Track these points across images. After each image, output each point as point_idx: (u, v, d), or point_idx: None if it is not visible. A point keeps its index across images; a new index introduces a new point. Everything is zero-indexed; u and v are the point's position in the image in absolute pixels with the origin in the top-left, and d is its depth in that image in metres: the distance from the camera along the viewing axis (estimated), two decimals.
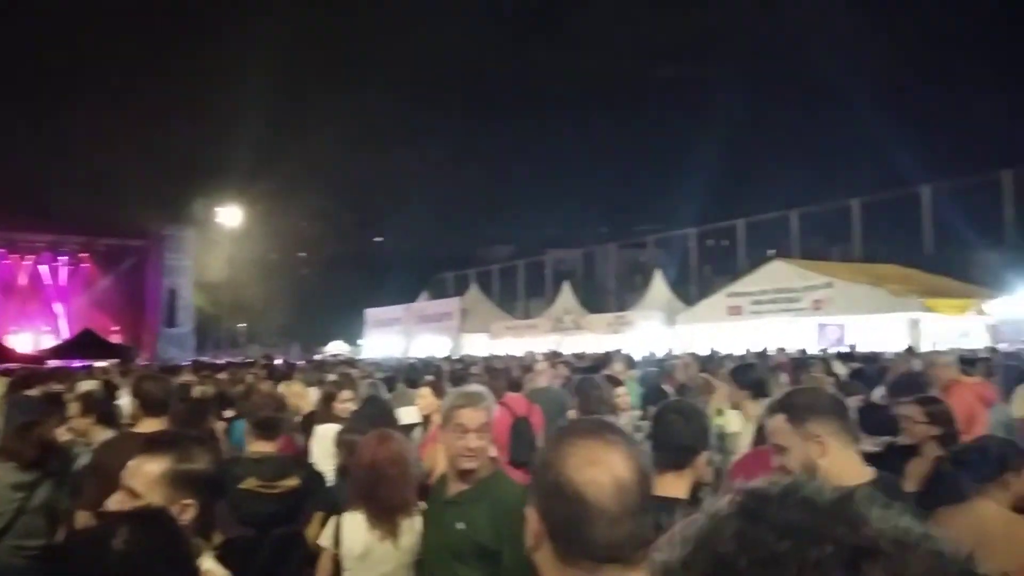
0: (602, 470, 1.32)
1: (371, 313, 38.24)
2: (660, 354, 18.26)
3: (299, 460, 3.91)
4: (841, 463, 2.11)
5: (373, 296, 39.15)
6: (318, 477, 3.87)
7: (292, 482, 3.57)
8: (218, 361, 20.79)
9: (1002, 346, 15.26)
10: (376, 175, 50.36)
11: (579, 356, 16.10)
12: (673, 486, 2.20)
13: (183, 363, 18.01)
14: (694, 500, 2.25)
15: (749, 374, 5.36)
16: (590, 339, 25.07)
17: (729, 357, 14.66)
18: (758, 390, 5.03)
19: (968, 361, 9.88)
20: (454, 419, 2.79)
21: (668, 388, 8.27)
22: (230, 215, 40.40)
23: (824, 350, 15.97)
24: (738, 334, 20.24)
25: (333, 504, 3.42)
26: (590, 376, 5.60)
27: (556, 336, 27.23)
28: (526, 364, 12.31)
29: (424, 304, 35.99)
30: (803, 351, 14.33)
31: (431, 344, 31.16)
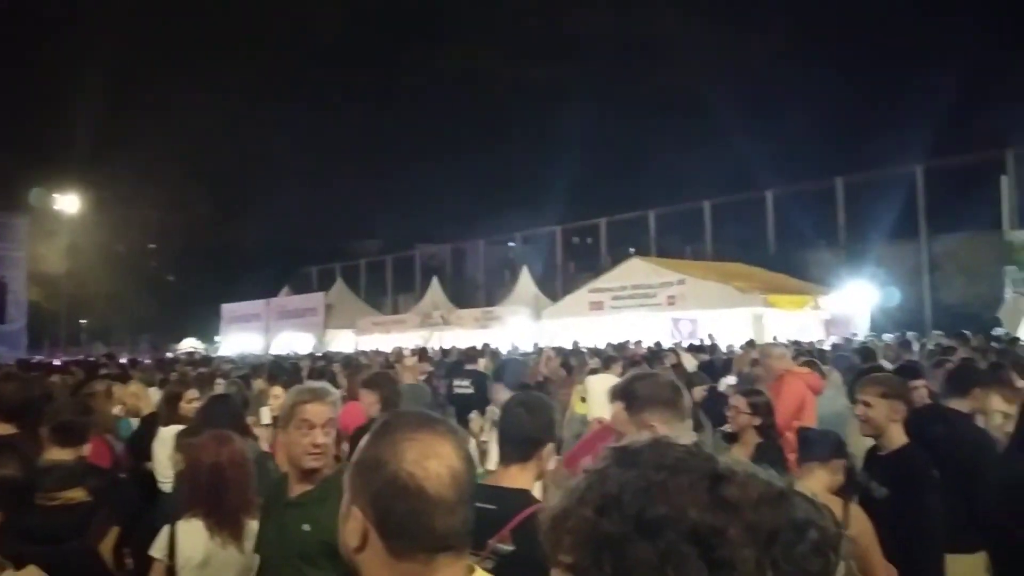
0: (440, 462, 1.33)
1: (228, 309, 36.46)
2: (527, 348, 18.56)
3: (92, 470, 3.56)
4: None
5: (231, 291, 37.36)
6: (114, 488, 3.57)
7: (75, 494, 3.26)
8: (55, 361, 19.16)
9: (833, 339, 16.69)
10: (236, 164, 48.07)
11: (446, 352, 16.09)
12: (519, 477, 2.23)
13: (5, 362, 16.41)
14: None
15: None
16: (459, 334, 25.11)
17: (592, 351, 15.16)
18: None
19: (804, 352, 10.75)
20: (298, 415, 2.69)
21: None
22: (69, 202, 37.23)
23: (678, 343, 16.81)
24: (600, 328, 20.92)
25: (165, 515, 3.19)
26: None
27: (425, 332, 27.08)
28: (389, 361, 12.15)
29: (286, 299, 34.72)
30: (658, 343, 14.98)
31: (294, 341, 30.11)
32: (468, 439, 1.50)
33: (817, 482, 2.87)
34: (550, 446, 2.27)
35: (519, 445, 2.26)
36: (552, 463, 2.32)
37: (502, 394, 6.06)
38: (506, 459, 2.28)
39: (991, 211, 18.92)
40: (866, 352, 9.38)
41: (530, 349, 17.75)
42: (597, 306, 22.19)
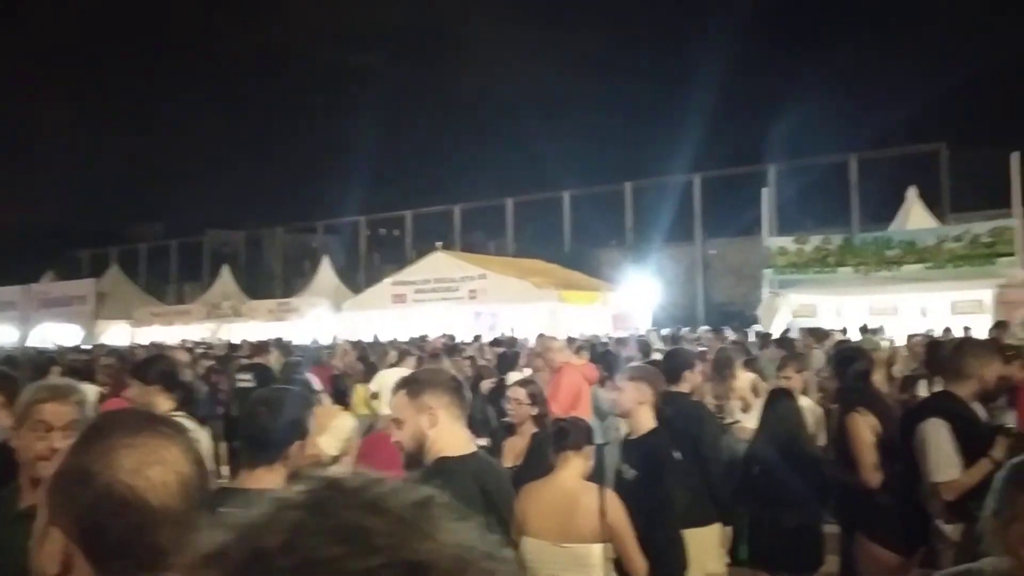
0: (164, 469, 1.17)
1: None
2: (325, 341, 17.98)
3: None
4: (448, 435, 2.26)
5: None
6: None
7: None
8: None
9: (619, 333, 17.83)
10: None
11: (234, 346, 15.13)
12: (266, 479, 2.13)
13: None
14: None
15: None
16: (252, 327, 23.81)
17: (391, 343, 14.99)
18: None
19: (589, 346, 11.35)
20: (34, 415, 2.34)
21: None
22: None
23: (479, 336, 17.11)
24: (402, 321, 20.79)
25: None
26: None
27: (212, 323, 25.38)
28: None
29: (49, 286, 30.87)
30: (451, 336, 15.17)
31: (57, 332, 26.90)
32: (196, 437, 1.38)
33: (573, 470, 3.00)
34: (298, 444, 2.18)
35: (264, 446, 2.17)
36: (302, 459, 2.21)
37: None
38: (251, 461, 2.17)
39: (755, 219, 21.16)
40: (643, 345, 10.08)
41: (328, 342, 17.21)
42: (400, 299, 22.02)
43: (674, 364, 4.19)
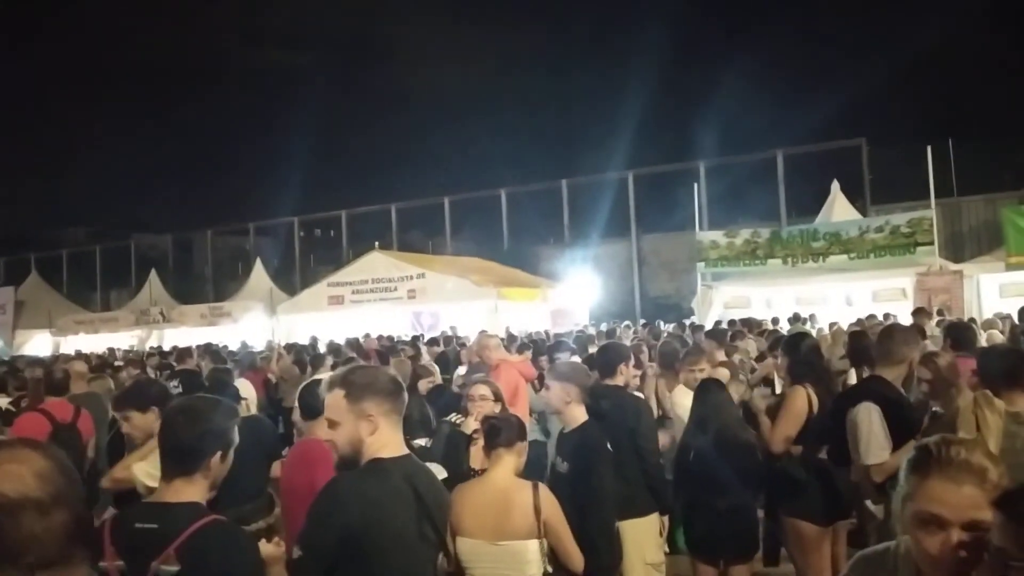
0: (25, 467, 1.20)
1: None
2: (259, 346, 17.58)
3: None
4: (386, 439, 2.23)
5: None
6: None
7: None
8: None
9: (559, 329, 17.96)
10: None
11: (164, 352, 14.66)
12: (185, 491, 2.07)
13: None
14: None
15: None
16: (183, 332, 23.10)
17: (329, 346, 14.74)
18: None
19: (532, 343, 11.40)
20: None
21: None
22: None
23: (420, 336, 16.99)
24: (340, 323, 20.48)
25: None
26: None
27: (141, 330, 24.51)
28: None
29: None
30: (390, 337, 15.03)
31: None
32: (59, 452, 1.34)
33: (506, 467, 3.00)
34: (219, 455, 2.12)
35: (181, 456, 2.09)
36: (222, 470, 2.14)
37: None
38: (168, 472, 2.10)
39: (688, 214, 21.59)
40: (581, 341, 10.17)
41: (262, 347, 16.83)
42: (337, 300, 21.67)
43: (608, 359, 4.24)
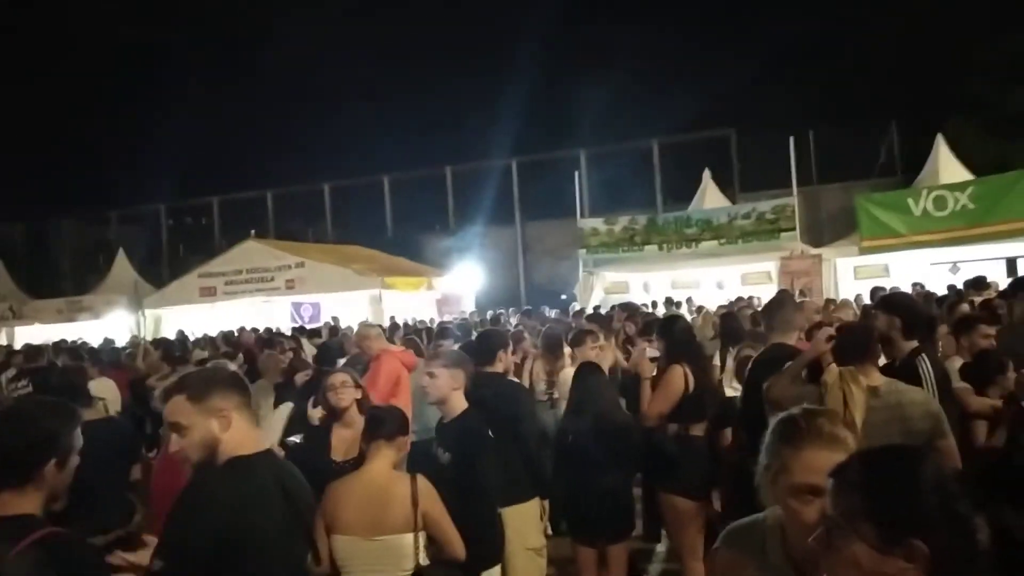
0: None
1: None
2: (122, 341, 16.50)
3: None
4: (242, 436, 2.11)
5: None
6: None
7: None
8: None
9: (446, 317, 17.89)
10: None
11: (13, 351, 13.47)
12: (15, 504, 1.86)
13: None
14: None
15: None
16: (37, 329, 21.34)
17: (198, 341, 14.02)
18: None
19: (417, 333, 11.27)
20: None
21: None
22: None
23: (302, 327, 16.45)
24: (213, 315, 19.55)
25: None
26: None
27: None
28: None
29: None
30: (270, 329, 14.47)
31: None
32: None
33: (384, 460, 2.91)
34: (53, 463, 1.92)
35: (8, 467, 1.88)
36: (61, 479, 1.95)
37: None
38: None
39: (570, 202, 21.99)
40: (465, 329, 10.13)
41: (127, 342, 15.81)
42: (209, 292, 20.63)
43: (487, 345, 4.22)
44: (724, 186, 22.11)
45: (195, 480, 2.05)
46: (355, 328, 14.15)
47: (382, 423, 2.97)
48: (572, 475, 4.05)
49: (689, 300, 15.63)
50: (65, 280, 30.29)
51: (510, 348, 4.29)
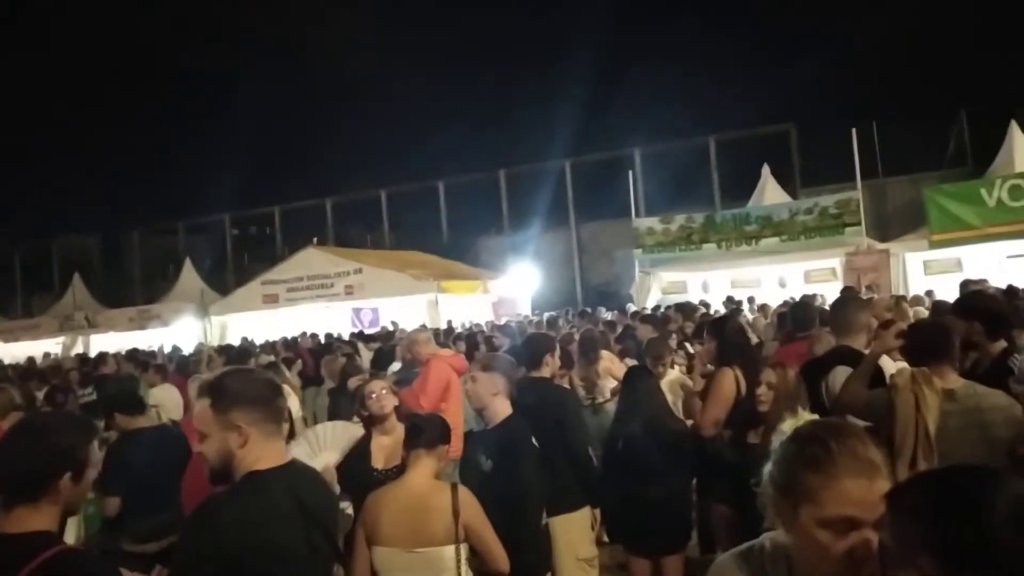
0: None
1: None
2: (190, 348, 17.00)
3: None
4: (260, 451, 2.04)
5: None
6: None
7: None
8: None
9: (503, 320, 17.87)
10: None
11: (84, 359, 14.01)
12: (29, 520, 1.82)
13: None
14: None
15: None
16: (110, 337, 22.20)
17: (263, 346, 14.34)
18: None
19: (466, 336, 11.27)
20: None
21: None
22: None
23: (361, 332, 16.67)
24: (276, 322, 19.98)
25: None
26: None
27: (66, 336, 23.46)
28: None
29: None
30: (329, 335, 14.70)
31: None
32: None
33: (424, 469, 2.85)
34: (67, 477, 1.88)
35: (22, 481, 1.85)
36: (77, 493, 1.92)
37: None
38: (9, 499, 1.84)
39: (623, 202, 21.73)
40: (519, 331, 10.09)
41: (193, 349, 16.27)
42: (272, 299, 21.10)
43: (533, 350, 4.13)
44: (784, 182, 21.53)
45: (206, 501, 2.00)
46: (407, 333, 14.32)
47: (421, 431, 2.90)
48: (623, 483, 3.93)
49: (751, 299, 15.23)
50: (136, 289, 31.46)
51: (557, 352, 4.17)
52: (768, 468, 1.49)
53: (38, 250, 34.22)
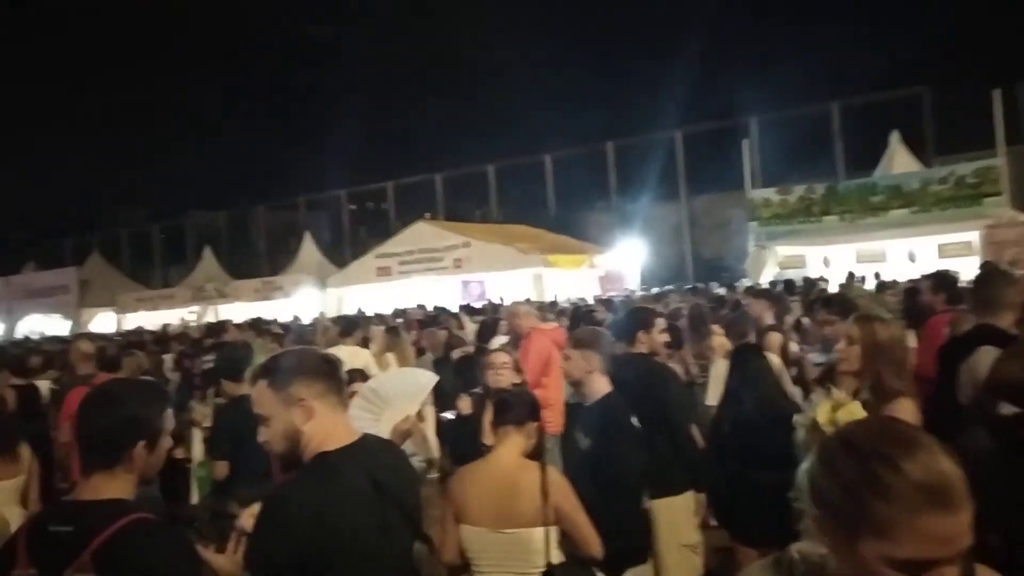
0: None
1: None
2: (308, 319, 17.77)
3: None
4: (328, 427, 1.96)
5: None
6: None
7: None
8: None
9: (610, 294, 17.65)
10: None
11: (210, 328, 14.90)
12: (105, 486, 1.83)
13: None
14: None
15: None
16: (237, 307, 23.58)
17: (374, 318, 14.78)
18: None
19: (571, 310, 11.15)
20: None
21: None
22: None
23: (468, 305, 16.90)
24: (389, 294, 20.56)
25: None
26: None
27: (198, 306, 25.12)
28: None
29: (31, 276, 30.51)
30: (438, 307, 14.93)
31: (43, 324, 26.64)
32: None
33: (512, 447, 2.77)
34: (142, 444, 1.86)
35: (99, 448, 1.85)
36: (153, 462, 1.92)
37: None
38: (87, 466, 1.86)
39: (736, 173, 20.87)
40: (620, 308, 9.86)
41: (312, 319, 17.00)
42: (385, 272, 21.77)
43: (627, 325, 3.96)
44: (916, 150, 20.01)
45: (277, 489, 1.95)
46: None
47: (510, 407, 2.80)
48: (730, 469, 3.73)
49: (876, 275, 14.29)
50: (262, 262, 33.21)
51: (655, 328, 3.97)
52: (808, 474, 1.18)
53: (173, 226, 36.75)
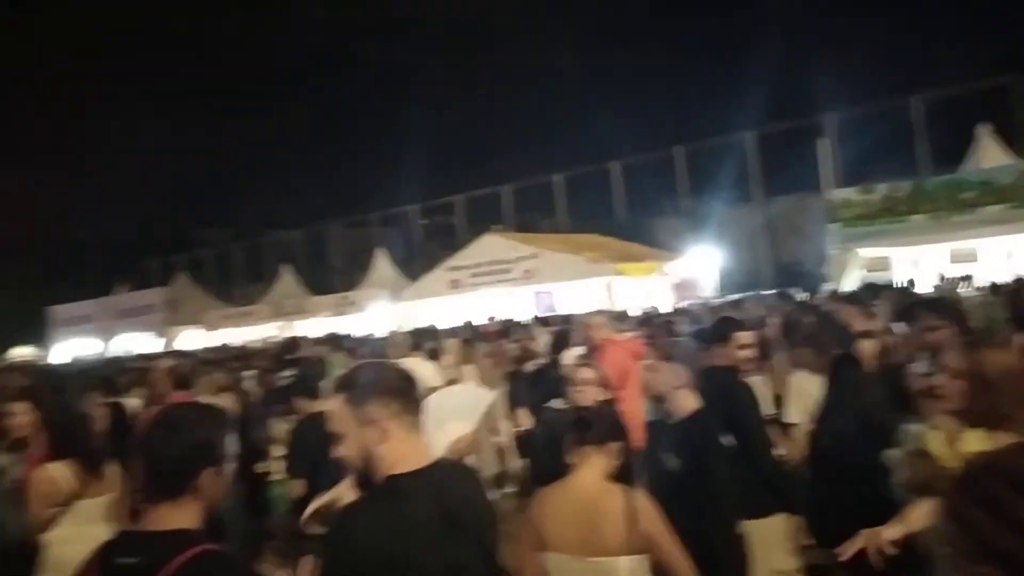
0: None
1: (58, 311, 33.23)
2: (382, 333, 17.99)
3: None
4: (402, 450, 1.88)
5: (58, 290, 34.02)
6: None
7: None
8: None
9: (684, 303, 17.24)
10: (56, 144, 43.55)
11: (286, 344, 15.21)
12: (171, 517, 1.76)
13: None
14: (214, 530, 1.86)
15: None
16: (316, 323, 24.12)
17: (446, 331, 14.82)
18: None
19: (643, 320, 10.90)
20: None
21: None
22: None
23: (541, 316, 16.79)
24: (461, 307, 20.65)
25: None
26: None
27: (279, 322, 25.82)
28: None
29: (122, 297, 32.06)
30: (509, 319, 14.88)
31: (135, 342, 27.89)
32: None
33: (594, 469, 2.61)
34: (210, 471, 1.80)
35: (165, 477, 1.79)
36: (219, 487, 1.86)
37: None
38: (152, 496, 1.79)
39: (814, 173, 20.14)
40: (696, 316, 9.59)
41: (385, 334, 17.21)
42: (456, 284, 21.90)
43: (704, 337, 3.74)
44: (1008, 142, 18.88)
45: (343, 513, 1.90)
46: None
47: (589, 426, 2.65)
48: (827, 487, 3.47)
49: (966, 277, 13.49)
50: (337, 278, 33.96)
51: (734, 340, 3.71)
52: (955, 525, 0.99)
53: (253, 245, 38.02)
